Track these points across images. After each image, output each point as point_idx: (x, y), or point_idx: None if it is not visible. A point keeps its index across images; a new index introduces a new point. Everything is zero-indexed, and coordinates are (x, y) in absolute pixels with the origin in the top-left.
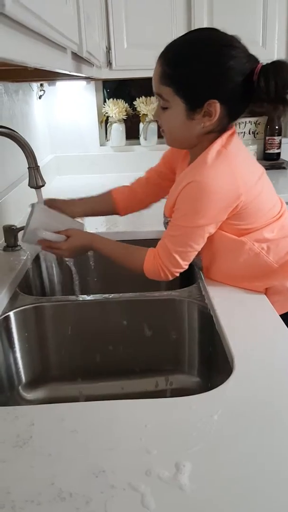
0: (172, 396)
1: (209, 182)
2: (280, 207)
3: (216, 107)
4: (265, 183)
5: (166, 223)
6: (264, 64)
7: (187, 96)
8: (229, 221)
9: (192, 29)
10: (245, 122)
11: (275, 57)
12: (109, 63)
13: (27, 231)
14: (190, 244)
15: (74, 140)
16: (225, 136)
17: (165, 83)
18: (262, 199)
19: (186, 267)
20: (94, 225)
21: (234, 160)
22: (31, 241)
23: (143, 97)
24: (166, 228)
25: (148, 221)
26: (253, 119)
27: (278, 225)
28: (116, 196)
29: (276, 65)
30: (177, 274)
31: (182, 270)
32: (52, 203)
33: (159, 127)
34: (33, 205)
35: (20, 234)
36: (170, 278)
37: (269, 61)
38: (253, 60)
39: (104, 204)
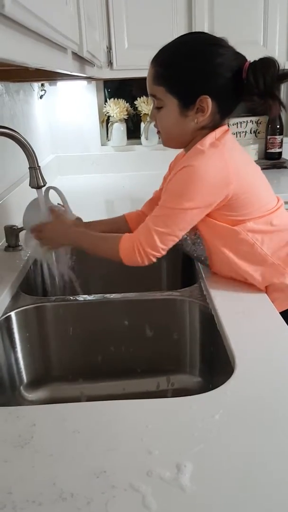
0: (173, 396)
1: (199, 167)
2: (275, 204)
3: (208, 103)
4: (261, 179)
5: None
6: (251, 61)
7: (180, 93)
8: (221, 211)
9: (193, 29)
10: (246, 121)
11: (276, 57)
12: (110, 63)
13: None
14: (171, 227)
15: (75, 140)
16: (218, 131)
17: (157, 83)
18: (256, 193)
19: (164, 252)
20: None
21: (227, 151)
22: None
23: (144, 96)
24: None
25: None
26: (254, 118)
27: (271, 219)
28: (130, 220)
29: (264, 62)
30: (153, 259)
31: (158, 255)
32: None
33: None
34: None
35: (21, 234)
36: (146, 262)
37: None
38: (241, 58)
39: (119, 227)
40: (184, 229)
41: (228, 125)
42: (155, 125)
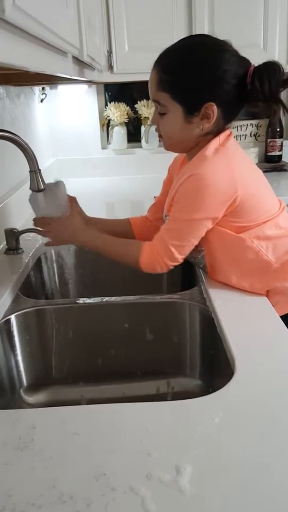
0: (173, 399)
1: (207, 175)
2: (278, 207)
3: (213, 110)
4: (264, 183)
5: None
6: (256, 65)
7: (185, 101)
8: (227, 218)
9: (193, 32)
10: (247, 124)
11: (276, 60)
12: (111, 67)
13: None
14: (187, 238)
15: (76, 143)
16: (222, 136)
17: (162, 89)
18: (260, 198)
19: (182, 260)
20: None
21: (232, 157)
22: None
23: (144, 100)
24: None
25: None
26: (254, 122)
27: (275, 223)
28: (134, 225)
29: (268, 66)
30: (172, 267)
31: (177, 263)
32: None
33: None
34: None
35: (22, 237)
36: (165, 271)
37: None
38: (246, 62)
39: (122, 228)
40: (198, 236)
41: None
42: (156, 130)
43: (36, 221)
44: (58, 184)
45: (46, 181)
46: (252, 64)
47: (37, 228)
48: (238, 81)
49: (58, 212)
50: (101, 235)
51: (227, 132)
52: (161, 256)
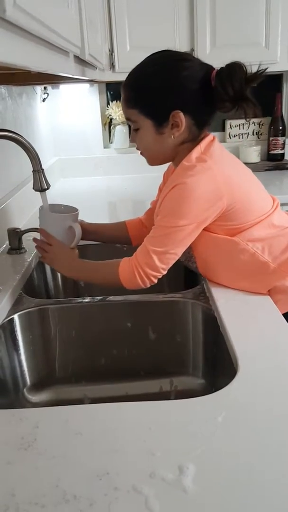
0: (176, 398)
1: (189, 184)
2: (271, 206)
3: (180, 117)
4: (253, 183)
5: None
6: (218, 69)
7: (152, 113)
8: (218, 222)
9: (195, 31)
10: (249, 123)
11: (278, 58)
12: (112, 66)
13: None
14: (169, 245)
15: (78, 142)
16: (203, 144)
17: (130, 106)
18: (250, 199)
19: (164, 272)
20: None
21: (215, 164)
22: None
23: None
24: None
25: None
26: (256, 120)
27: (268, 223)
28: (130, 227)
29: (230, 67)
30: (154, 280)
31: (158, 275)
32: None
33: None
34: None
35: (24, 237)
36: (147, 283)
37: (261, 63)
38: (207, 67)
39: (119, 232)
40: (182, 245)
41: (231, 127)
42: (136, 148)
43: (40, 233)
44: (72, 213)
45: (49, 181)
46: (215, 69)
47: (37, 237)
48: (202, 86)
49: (60, 237)
50: (85, 265)
51: (209, 137)
52: (140, 265)
